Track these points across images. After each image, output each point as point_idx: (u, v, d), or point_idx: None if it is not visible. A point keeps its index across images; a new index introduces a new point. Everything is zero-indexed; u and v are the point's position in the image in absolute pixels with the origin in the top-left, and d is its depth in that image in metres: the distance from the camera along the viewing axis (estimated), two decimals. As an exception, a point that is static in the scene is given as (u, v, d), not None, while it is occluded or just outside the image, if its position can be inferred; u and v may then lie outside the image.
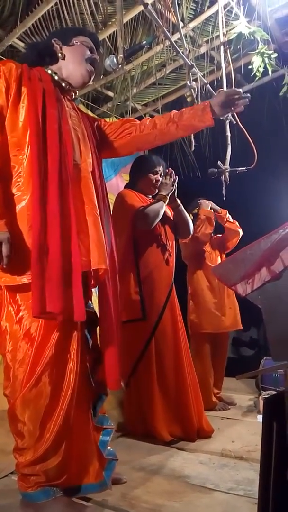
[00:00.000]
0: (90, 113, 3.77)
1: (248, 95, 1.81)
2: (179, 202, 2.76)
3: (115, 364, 1.68)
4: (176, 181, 2.69)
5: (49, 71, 1.77)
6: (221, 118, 2.79)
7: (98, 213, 1.68)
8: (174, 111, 1.88)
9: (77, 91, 1.88)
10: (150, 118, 1.91)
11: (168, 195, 2.64)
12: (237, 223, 3.55)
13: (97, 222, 1.65)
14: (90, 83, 1.88)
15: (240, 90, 1.81)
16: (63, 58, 1.78)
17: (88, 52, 1.80)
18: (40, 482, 1.49)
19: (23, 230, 1.52)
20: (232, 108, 1.82)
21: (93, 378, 1.68)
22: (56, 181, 1.53)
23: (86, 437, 1.63)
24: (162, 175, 2.75)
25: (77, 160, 1.68)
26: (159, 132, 1.87)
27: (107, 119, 3.86)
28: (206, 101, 1.84)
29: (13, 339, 1.54)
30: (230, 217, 3.54)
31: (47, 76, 1.73)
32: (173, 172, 2.69)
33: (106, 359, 1.68)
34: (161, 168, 2.77)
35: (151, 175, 2.73)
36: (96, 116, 3.85)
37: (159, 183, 2.70)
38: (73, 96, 1.86)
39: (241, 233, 3.51)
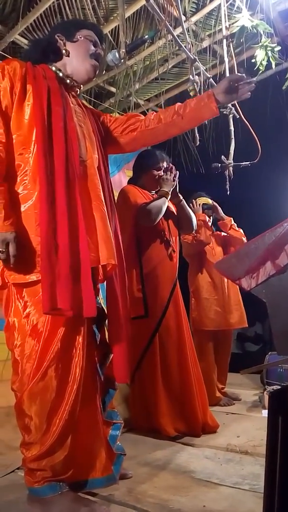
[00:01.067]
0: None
1: (254, 79, 1.79)
2: (181, 197, 2.75)
3: (123, 358, 1.70)
4: (177, 176, 2.69)
5: (53, 68, 1.77)
6: (225, 112, 2.79)
7: (105, 208, 1.68)
8: (178, 104, 1.87)
9: (81, 86, 1.88)
10: (154, 113, 1.90)
11: (170, 190, 2.64)
12: (241, 231, 3.53)
13: (104, 218, 1.66)
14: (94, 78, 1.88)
15: (243, 75, 1.78)
16: (67, 55, 1.78)
17: (92, 47, 1.80)
18: (47, 477, 1.50)
19: (30, 228, 1.53)
20: (237, 95, 1.80)
21: (102, 373, 1.70)
22: (63, 178, 1.53)
23: (93, 431, 1.63)
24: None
25: (83, 156, 1.68)
26: (164, 126, 1.86)
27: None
28: (210, 90, 1.82)
29: (21, 334, 1.56)
30: (235, 224, 3.54)
31: (51, 73, 1.73)
32: (174, 167, 2.68)
33: (114, 353, 1.70)
34: (164, 164, 2.76)
35: (155, 170, 2.72)
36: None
37: (161, 179, 2.69)
38: (78, 92, 1.86)
39: (245, 241, 3.50)
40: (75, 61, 1.78)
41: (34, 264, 1.51)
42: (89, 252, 1.55)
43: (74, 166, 1.58)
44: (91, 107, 1.93)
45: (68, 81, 1.78)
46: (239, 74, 1.79)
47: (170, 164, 2.72)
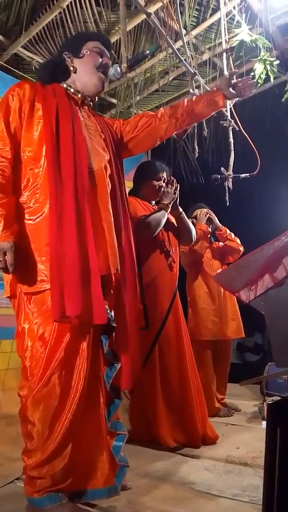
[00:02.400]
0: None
1: (250, 76, 1.91)
2: (181, 210, 2.77)
3: (128, 366, 1.72)
4: (178, 189, 2.71)
5: (64, 85, 1.84)
6: (224, 124, 2.82)
7: (112, 219, 1.73)
8: (187, 99, 1.97)
9: (95, 99, 1.94)
10: (165, 108, 1.98)
11: (170, 203, 2.66)
12: (238, 240, 3.54)
13: (110, 229, 1.71)
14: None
15: (237, 70, 1.92)
16: (75, 72, 1.84)
17: (99, 59, 1.85)
18: (47, 487, 1.50)
19: (42, 239, 1.58)
20: (240, 92, 1.89)
21: (108, 382, 1.70)
22: (71, 190, 1.58)
23: (96, 440, 1.64)
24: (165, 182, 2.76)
25: (92, 168, 1.72)
26: (176, 120, 1.95)
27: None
28: (214, 87, 1.92)
29: (31, 341, 1.59)
30: (231, 234, 3.56)
31: (61, 91, 1.79)
32: (175, 180, 2.70)
33: (121, 362, 1.72)
34: (164, 174, 2.78)
35: (155, 181, 2.74)
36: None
37: (162, 192, 2.71)
38: (91, 105, 1.92)
39: (242, 250, 3.51)
40: (83, 76, 1.84)
41: (39, 274, 1.56)
42: (98, 260, 1.59)
43: (83, 177, 1.63)
44: (106, 117, 1.99)
45: (79, 95, 1.84)
46: (234, 70, 1.88)
47: (171, 177, 2.74)
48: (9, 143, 1.61)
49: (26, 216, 1.62)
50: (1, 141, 1.62)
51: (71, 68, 1.84)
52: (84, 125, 1.76)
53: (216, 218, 3.57)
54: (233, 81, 1.86)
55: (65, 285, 1.48)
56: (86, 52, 1.84)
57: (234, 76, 1.88)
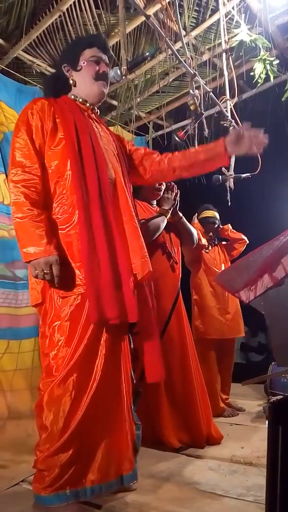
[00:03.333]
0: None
1: (262, 132, 1.82)
2: (181, 215, 2.77)
3: (157, 358, 1.83)
4: (178, 195, 2.71)
5: (72, 97, 1.92)
6: (225, 125, 2.83)
7: (136, 222, 1.86)
8: (191, 149, 2.07)
9: (99, 107, 2.02)
10: (169, 155, 2.04)
11: (170, 209, 2.66)
12: (242, 235, 3.59)
13: (136, 230, 1.84)
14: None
15: (254, 130, 1.82)
16: (75, 85, 1.92)
17: (96, 68, 1.90)
18: (56, 481, 1.52)
19: (73, 248, 1.68)
20: (248, 148, 1.86)
21: (133, 376, 1.81)
22: (97, 200, 1.70)
23: (120, 431, 1.71)
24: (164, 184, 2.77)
25: (111, 177, 1.83)
26: (175, 171, 2.04)
27: (111, 128, 3.92)
28: (221, 138, 1.92)
29: (59, 340, 1.65)
30: (234, 230, 3.60)
31: (72, 103, 1.87)
32: (175, 186, 2.71)
33: (147, 354, 1.81)
34: None
35: None
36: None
37: (161, 197, 2.72)
38: (98, 112, 2.01)
39: (247, 241, 3.55)
40: (83, 88, 1.92)
41: (75, 279, 1.66)
42: (127, 263, 1.73)
43: (105, 187, 1.75)
44: (112, 132, 2.08)
45: (87, 105, 1.92)
46: (247, 129, 1.84)
47: (171, 183, 2.74)
48: (37, 161, 1.70)
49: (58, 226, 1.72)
50: (30, 159, 1.70)
51: (71, 81, 1.92)
52: (99, 136, 1.86)
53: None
54: (242, 136, 1.85)
55: (101, 289, 1.60)
56: (83, 63, 1.89)
57: (243, 131, 1.84)
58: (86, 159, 1.73)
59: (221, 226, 3.57)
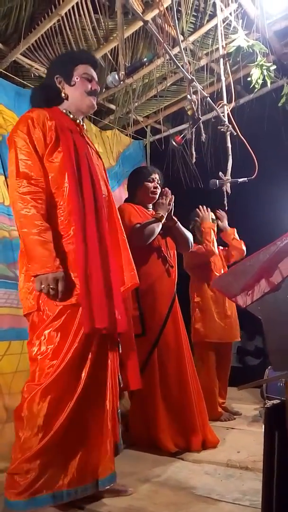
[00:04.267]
0: (92, 126, 3.82)
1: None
2: (176, 220, 2.78)
3: (136, 366, 1.98)
4: (173, 200, 2.72)
5: (64, 111, 1.94)
6: (222, 130, 2.84)
7: (124, 236, 1.96)
8: None
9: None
10: None
11: (165, 214, 2.67)
12: (243, 243, 3.59)
13: (126, 243, 1.97)
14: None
15: None
16: (67, 98, 1.95)
17: (89, 86, 1.94)
18: (32, 485, 1.51)
19: (70, 259, 1.73)
20: None
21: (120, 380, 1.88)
22: (93, 214, 1.76)
23: (101, 433, 1.74)
24: (159, 182, 2.79)
25: (104, 193, 1.92)
26: None
27: (109, 132, 3.93)
28: None
29: (49, 346, 1.67)
30: (237, 236, 3.60)
31: (66, 118, 1.91)
32: (169, 192, 2.72)
33: (128, 363, 1.93)
34: (156, 176, 2.81)
35: (148, 183, 2.77)
36: (99, 129, 3.91)
37: (156, 202, 2.73)
38: (85, 127, 2.03)
39: (245, 252, 3.57)
40: (75, 101, 1.96)
41: (71, 289, 1.69)
42: (118, 277, 1.83)
43: (100, 202, 1.82)
44: (90, 128, 2.12)
45: (78, 121, 1.96)
46: None
47: (166, 188, 2.75)
48: (42, 173, 1.74)
49: None
50: (35, 171, 1.72)
51: (63, 95, 1.94)
52: (92, 154, 1.93)
53: (226, 218, 3.59)
54: None
55: (94, 300, 1.66)
56: (77, 79, 1.93)
57: None
58: (83, 174, 1.79)
59: (227, 227, 3.56)
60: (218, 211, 3.62)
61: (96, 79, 2.00)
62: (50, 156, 1.77)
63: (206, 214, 3.47)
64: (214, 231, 3.41)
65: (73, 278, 1.71)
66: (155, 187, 2.77)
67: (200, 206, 3.51)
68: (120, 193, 3.80)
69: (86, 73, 1.94)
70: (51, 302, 1.69)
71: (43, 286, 1.63)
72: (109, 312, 1.71)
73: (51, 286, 1.63)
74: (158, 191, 2.78)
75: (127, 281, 1.91)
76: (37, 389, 1.60)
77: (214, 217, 3.55)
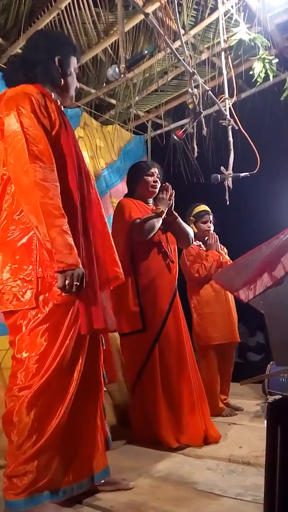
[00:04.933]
0: (93, 120, 3.80)
1: None
2: (176, 215, 2.77)
3: (113, 360, 1.99)
4: (173, 195, 2.71)
5: (53, 96, 1.80)
6: (224, 124, 2.82)
7: (109, 231, 1.91)
8: None
9: None
10: None
11: (166, 209, 2.65)
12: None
13: (110, 242, 1.88)
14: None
15: None
16: (58, 85, 1.82)
17: (76, 82, 1.90)
18: (31, 486, 1.50)
19: None
20: None
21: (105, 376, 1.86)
22: (84, 209, 1.73)
23: (95, 428, 1.75)
24: (159, 176, 2.78)
25: (93, 185, 1.86)
26: None
27: (110, 127, 3.91)
28: None
29: (41, 344, 1.61)
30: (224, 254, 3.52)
31: (57, 105, 1.79)
32: (170, 186, 2.70)
33: (108, 359, 1.90)
34: (156, 170, 2.79)
35: (148, 177, 2.76)
36: (100, 124, 3.89)
37: (157, 197, 2.72)
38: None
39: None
40: (65, 92, 1.85)
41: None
42: (106, 274, 1.79)
43: (89, 198, 1.77)
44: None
45: (62, 108, 1.85)
46: None
47: (166, 183, 2.74)
48: (52, 158, 1.59)
49: None
50: (47, 156, 1.57)
51: (62, 81, 1.81)
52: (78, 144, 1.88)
53: (217, 239, 3.48)
54: None
55: (91, 300, 1.63)
56: (73, 71, 1.86)
57: None
58: (77, 162, 1.73)
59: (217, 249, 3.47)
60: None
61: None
62: (53, 141, 1.64)
63: (213, 243, 3.43)
64: (217, 261, 3.34)
65: None
66: (155, 181, 2.75)
67: (212, 233, 3.46)
68: (123, 188, 3.78)
69: (75, 68, 1.87)
70: (51, 299, 1.61)
71: (67, 282, 1.50)
72: (103, 312, 1.67)
73: (76, 283, 1.51)
74: (158, 185, 2.77)
75: (113, 278, 1.83)
76: (32, 391, 1.55)
77: (208, 209, 3.52)
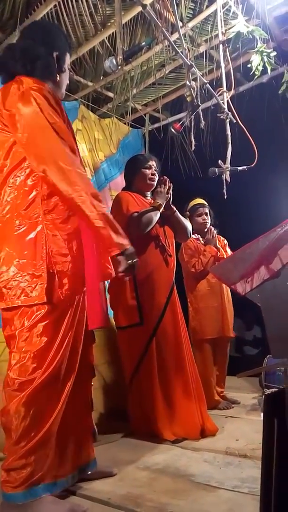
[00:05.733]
0: (91, 113, 3.78)
1: None
2: (174, 209, 2.76)
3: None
4: (171, 188, 2.70)
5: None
6: (222, 117, 2.81)
7: None
8: None
9: None
10: None
11: (163, 203, 2.64)
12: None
13: None
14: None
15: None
16: (54, 81, 1.81)
17: (67, 80, 1.89)
18: (28, 479, 1.50)
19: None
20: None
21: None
22: None
23: (84, 419, 1.79)
24: (157, 170, 2.78)
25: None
26: None
27: (107, 120, 3.89)
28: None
29: (42, 339, 1.60)
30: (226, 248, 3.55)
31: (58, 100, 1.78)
32: (168, 180, 2.69)
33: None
34: (153, 163, 2.78)
35: (145, 170, 2.75)
36: (98, 117, 3.87)
37: (155, 191, 2.71)
38: None
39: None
40: (57, 88, 1.83)
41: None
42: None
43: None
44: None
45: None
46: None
47: (164, 176, 2.72)
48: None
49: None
50: (71, 146, 1.64)
51: (55, 76, 1.80)
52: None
53: (215, 236, 3.46)
54: None
55: (96, 296, 1.63)
56: (66, 68, 1.85)
57: None
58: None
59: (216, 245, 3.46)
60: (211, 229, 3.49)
61: None
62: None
63: (211, 238, 3.42)
64: (214, 256, 3.34)
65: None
66: (153, 174, 2.75)
67: (211, 228, 3.46)
68: (122, 181, 3.77)
69: (68, 64, 1.87)
70: (55, 296, 1.60)
71: (129, 262, 1.56)
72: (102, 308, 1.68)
73: (134, 261, 1.58)
74: (156, 178, 2.76)
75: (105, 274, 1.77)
76: (29, 387, 1.54)
77: (205, 203, 3.52)
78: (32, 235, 1.60)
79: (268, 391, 3.02)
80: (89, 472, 1.79)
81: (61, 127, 1.60)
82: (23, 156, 1.62)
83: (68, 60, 1.87)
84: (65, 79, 1.86)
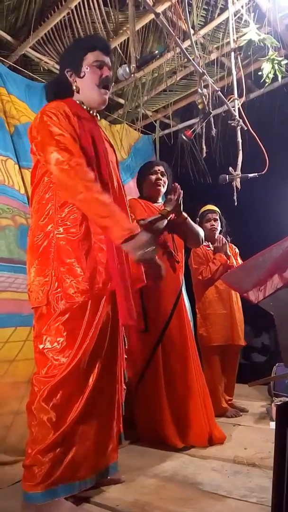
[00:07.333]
0: (102, 120, 3.80)
1: None
2: (186, 216, 2.75)
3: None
4: (181, 196, 2.69)
5: (78, 102, 1.89)
6: (232, 124, 2.82)
7: None
8: None
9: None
10: None
11: (172, 210, 2.63)
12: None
13: None
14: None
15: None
16: (78, 92, 1.89)
17: (99, 73, 1.86)
18: (47, 478, 1.52)
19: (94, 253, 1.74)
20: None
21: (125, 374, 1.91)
22: None
23: (109, 429, 1.78)
24: (165, 175, 2.78)
25: (116, 190, 1.90)
26: None
27: (118, 126, 3.91)
28: None
29: (64, 337, 1.66)
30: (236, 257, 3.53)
31: (82, 110, 1.87)
32: (179, 187, 2.68)
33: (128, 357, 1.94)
34: (160, 167, 2.79)
35: (151, 175, 2.76)
36: (109, 123, 3.89)
37: (166, 199, 2.70)
38: (99, 118, 2.00)
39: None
40: (86, 93, 1.89)
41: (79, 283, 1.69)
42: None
43: (114, 197, 1.78)
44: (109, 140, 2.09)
45: (91, 112, 1.91)
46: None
47: (175, 183, 2.71)
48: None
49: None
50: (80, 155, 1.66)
51: (74, 87, 1.89)
52: (108, 148, 1.94)
53: (226, 245, 3.44)
54: None
55: (127, 294, 1.73)
56: (86, 69, 1.86)
57: None
58: (103, 168, 1.79)
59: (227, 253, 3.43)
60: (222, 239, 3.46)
61: (109, 64, 1.91)
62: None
63: (220, 246, 3.40)
64: (223, 264, 3.32)
65: (100, 270, 1.71)
66: (158, 179, 2.75)
67: (220, 236, 3.44)
68: (133, 186, 3.77)
69: (96, 60, 1.85)
70: (62, 297, 1.67)
71: (147, 249, 1.56)
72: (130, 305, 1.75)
73: (153, 247, 1.60)
74: (162, 182, 2.76)
75: (137, 279, 1.95)
76: (49, 384, 1.59)
77: (216, 209, 3.52)
78: (45, 243, 1.73)
79: (277, 400, 3.01)
80: (108, 477, 1.79)
81: (64, 137, 1.67)
82: (44, 171, 1.75)
83: (88, 59, 1.86)
84: (87, 81, 1.86)
